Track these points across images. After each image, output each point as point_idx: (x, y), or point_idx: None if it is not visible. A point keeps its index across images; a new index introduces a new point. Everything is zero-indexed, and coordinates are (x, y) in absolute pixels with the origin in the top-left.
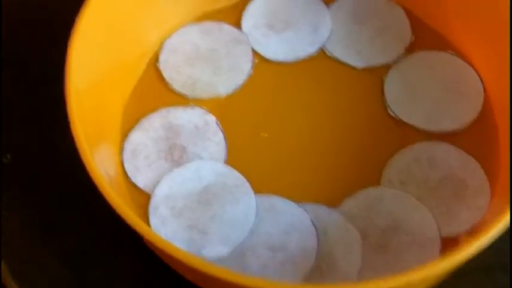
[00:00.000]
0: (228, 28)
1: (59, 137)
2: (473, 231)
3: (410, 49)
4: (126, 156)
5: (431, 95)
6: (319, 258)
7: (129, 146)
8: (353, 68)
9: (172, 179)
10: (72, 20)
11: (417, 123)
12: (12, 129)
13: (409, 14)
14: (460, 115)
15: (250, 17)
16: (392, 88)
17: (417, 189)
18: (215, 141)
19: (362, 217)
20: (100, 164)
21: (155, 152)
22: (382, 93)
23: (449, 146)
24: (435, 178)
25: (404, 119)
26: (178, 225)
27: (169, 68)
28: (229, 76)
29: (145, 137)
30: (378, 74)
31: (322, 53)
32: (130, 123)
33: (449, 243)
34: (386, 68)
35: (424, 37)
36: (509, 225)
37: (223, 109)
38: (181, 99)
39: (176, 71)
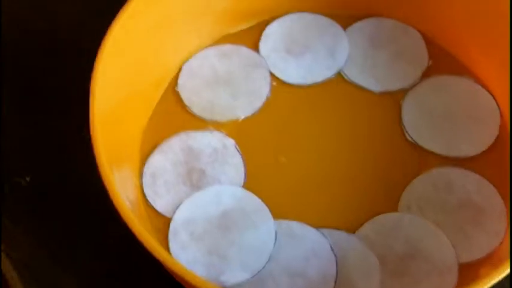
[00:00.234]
0: (246, 51)
1: (79, 160)
2: (492, 258)
3: (427, 73)
4: (146, 180)
5: (448, 120)
6: (337, 284)
7: (148, 169)
8: (370, 92)
9: (192, 204)
10: (92, 45)
11: (435, 149)
12: (32, 151)
13: (426, 38)
14: (477, 140)
15: (268, 41)
16: (410, 113)
17: (435, 214)
18: (234, 165)
19: (380, 243)
20: (120, 188)
21: (174, 176)
22: (400, 118)
23: (467, 172)
24: (453, 204)
25: (422, 144)
26: (198, 250)
27: (187, 91)
28: (248, 100)
29: (164, 161)
30: (395, 98)
31: (339, 76)
32: (149, 146)
33: (467, 269)
34: (403, 92)
35: (441, 62)
36: None
37: (242, 132)
38: (199, 123)
39: (195, 94)
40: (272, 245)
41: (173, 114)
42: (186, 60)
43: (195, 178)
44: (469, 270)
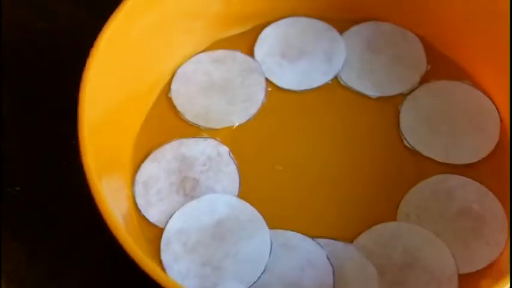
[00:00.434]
0: (241, 56)
1: (69, 167)
2: (492, 268)
3: (425, 78)
4: (138, 189)
5: (447, 126)
6: None
7: (140, 178)
8: (368, 97)
9: (185, 213)
10: (84, 50)
11: (434, 156)
12: (21, 160)
13: (424, 42)
14: (477, 147)
15: (263, 45)
16: (408, 118)
17: (434, 223)
18: (228, 173)
19: (378, 253)
20: (110, 198)
21: (167, 185)
22: (398, 124)
23: (467, 179)
24: (453, 212)
25: (421, 151)
26: (191, 261)
27: (181, 97)
28: (243, 106)
29: (157, 169)
30: (393, 103)
31: (336, 81)
32: (142, 154)
33: (467, 280)
34: (401, 97)
35: (440, 66)
36: None
37: (236, 139)
38: (193, 130)
39: (188, 100)
40: (267, 255)
41: (166, 121)
42: (180, 65)
43: (188, 187)
44: (469, 281)
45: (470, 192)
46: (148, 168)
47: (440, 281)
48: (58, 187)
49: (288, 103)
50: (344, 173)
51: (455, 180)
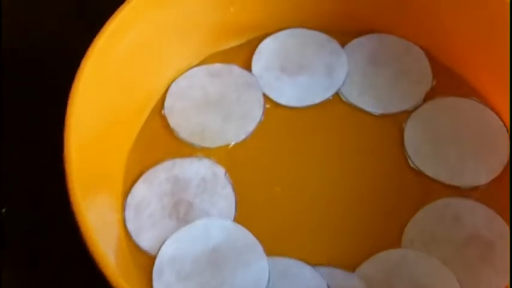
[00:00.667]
0: (238, 70)
1: (58, 188)
2: None
3: (431, 95)
4: (129, 214)
5: (454, 145)
6: None
7: (132, 201)
8: (370, 114)
9: (178, 239)
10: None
11: (440, 177)
12: (9, 181)
13: (429, 56)
14: (486, 167)
15: (261, 59)
16: (413, 137)
17: (441, 250)
18: (224, 196)
19: (382, 282)
20: (99, 224)
21: (159, 209)
22: (402, 143)
23: (475, 203)
24: (460, 239)
25: (426, 172)
26: None
27: (175, 114)
28: (240, 123)
29: (149, 192)
30: (397, 120)
31: (337, 97)
32: (133, 175)
33: None
34: (406, 114)
35: (446, 82)
36: None
37: (233, 159)
38: (187, 149)
39: (183, 118)
40: (265, 284)
41: (159, 140)
42: (173, 80)
43: (181, 211)
44: None
45: (479, 217)
46: (140, 190)
47: None
48: (43, 208)
49: (287, 120)
50: (346, 195)
51: (462, 204)
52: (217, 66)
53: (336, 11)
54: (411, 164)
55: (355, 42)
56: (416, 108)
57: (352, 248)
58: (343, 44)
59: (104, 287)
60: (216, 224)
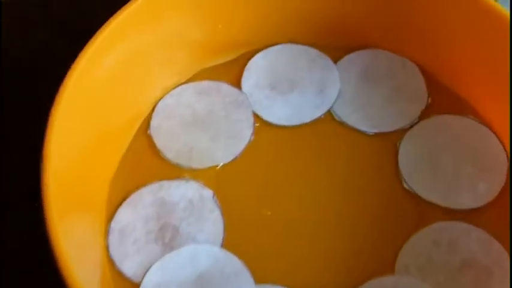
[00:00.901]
0: (227, 88)
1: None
2: None
3: (426, 113)
4: (112, 239)
5: (450, 166)
6: None
7: (116, 226)
8: (363, 133)
9: (164, 266)
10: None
11: (435, 199)
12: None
13: (424, 72)
14: (482, 189)
15: (251, 76)
16: (408, 157)
17: (436, 276)
18: (211, 221)
19: None
20: (80, 251)
21: (144, 234)
22: (396, 163)
23: (471, 227)
24: (456, 264)
25: (421, 194)
26: None
27: (161, 134)
28: (229, 143)
29: (134, 216)
30: (391, 140)
31: (329, 115)
32: (117, 198)
33: None
34: (400, 133)
35: (442, 99)
36: None
37: (221, 181)
38: (174, 170)
39: (170, 138)
40: None
41: (144, 161)
42: (160, 99)
43: (167, 236)
44: None
45: (475, 241)
46: (124, 214)
47: None
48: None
49: (277, 140)
50: (338, 219)
51: (458, 228)
52: (205, 83)
53: (328, 26)
54: (405, 186)
55: (347, 58)
56: (411, 126)
57: (344, 274)
58: (335, 60)
59: None
60: (203, 250)
